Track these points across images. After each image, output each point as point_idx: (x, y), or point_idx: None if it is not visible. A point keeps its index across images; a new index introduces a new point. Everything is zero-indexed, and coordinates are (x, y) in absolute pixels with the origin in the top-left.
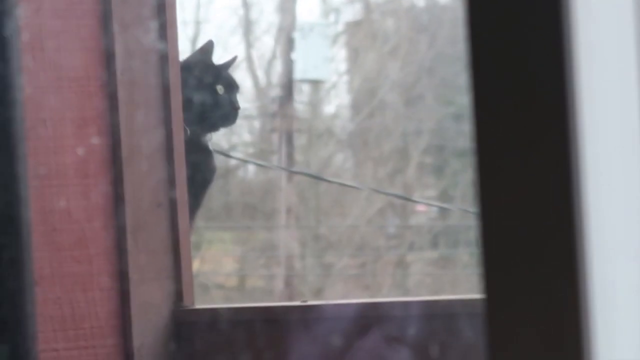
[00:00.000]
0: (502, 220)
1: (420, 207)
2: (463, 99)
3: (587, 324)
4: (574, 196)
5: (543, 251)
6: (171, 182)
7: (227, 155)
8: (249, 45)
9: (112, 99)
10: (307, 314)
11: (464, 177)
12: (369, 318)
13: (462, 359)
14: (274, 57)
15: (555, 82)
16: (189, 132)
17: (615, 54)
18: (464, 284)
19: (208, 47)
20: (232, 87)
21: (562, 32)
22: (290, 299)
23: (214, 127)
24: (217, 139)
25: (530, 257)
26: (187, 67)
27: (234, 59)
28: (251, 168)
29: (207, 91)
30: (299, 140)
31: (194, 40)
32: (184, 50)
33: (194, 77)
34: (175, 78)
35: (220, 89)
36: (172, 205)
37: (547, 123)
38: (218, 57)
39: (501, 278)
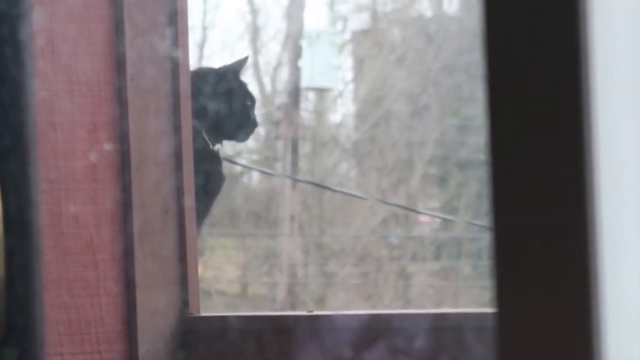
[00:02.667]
0: (515, 230)
1: (424, 218)
2: (468, 110)
3: (600, 339)
4: (588, 206)
5: (556, 263)
6: (180, 189)
7: (232, 162)
8: (255, 51)
9: (123, 104)
10: (314, 324)
11: (468, 188)
12: (376, 330)
13: None
14: (280, 64)
15: (571, 89)
16: (211, 145)
17: (631, 60)
18: (466, 296)
19: (242, 62)
20: (251, 101)
21: (579, 36)
22: (293, 307)
23: (229, 138)
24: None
25: (543, 269)
26: (217, 75)
27: (245, 59)
28: (255, 175)
29: (225, 101)
30: (304, 148)
31: (202, 46)
32: (192, 56)
33: (215, 86)
34: (186, 85)
35: (249, 105)
36: (180, 212)
37: (563, 131)
38: (225, 62)
39: (513, 291)
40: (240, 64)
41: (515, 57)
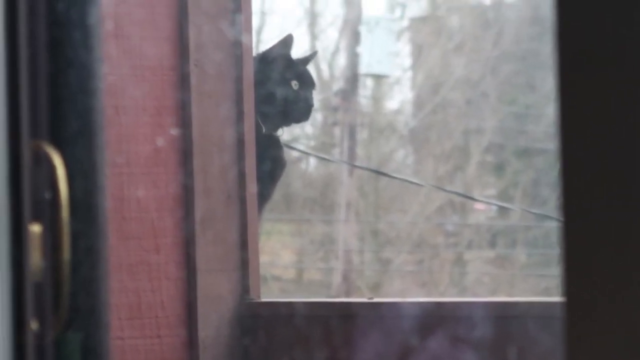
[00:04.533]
0: (586, 221)
1: (480, 206)
2: (526, 99)
3: None
4: None
5: (626, 253)
6: (242, 175)
7: (289, 147)
8: (313, 37)
9: (187, 89)
10: (375, 310)
11: (525, 176)
12: (439, 317)
13: None
14: (338, 50)
15: None
16: (264, 128)
17: None
18: (522, 284)
19: (288, 41)
20: (308, 83)
21: None
22: (348, 293)
23: (287, 122)
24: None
25: (613, 259)
26: (265, 59)
27: (314, 54)
28: (312, 161)
29: (283, 86)
30: (361, 135)
31: (259, 31)
32: None
33: (272, 70)
34: (249, 71)
35: (295, 84)
36: (243, 198)
37: (636, 120)
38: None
39: (583, 281)
40: (309, 58)
41: (590, 48)
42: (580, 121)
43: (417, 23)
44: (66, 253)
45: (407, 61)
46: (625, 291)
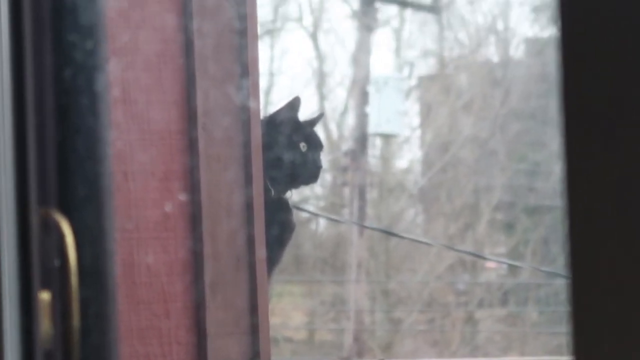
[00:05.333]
0: (593, 279)
1: (490, 264)
2: (536, 156)
3: None
4: None
5: (636, 313)
6: (251, 239)
7: (299, 209)
8: (322, 97)
9: (195, 154)
10: None
11: (535, 234)
12: None
13: None
14: (346, 109)
15: None
16: (273, 191)
17: None
18: (534, 343)
19: (295, 104)
20: (316, 145)
21: None
22: (360, 354)
23: (296, 185)
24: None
25: (621, 318)
26: (272, 122)
27: (320, 116)
28: (322, 221)
29: (291, 148)
30: (371, 194)
31: (268, 92)
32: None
33: (279, 133)
34: (257, 135)
35: (303, 146)
36: (252, 262)
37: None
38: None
39: (591, 340)
40: (316, 120)
41: (595, 105)
42: (586, 178)
43: (426, 82)
44: (76, 320)
45: (416, 120)
46: (635, 348)
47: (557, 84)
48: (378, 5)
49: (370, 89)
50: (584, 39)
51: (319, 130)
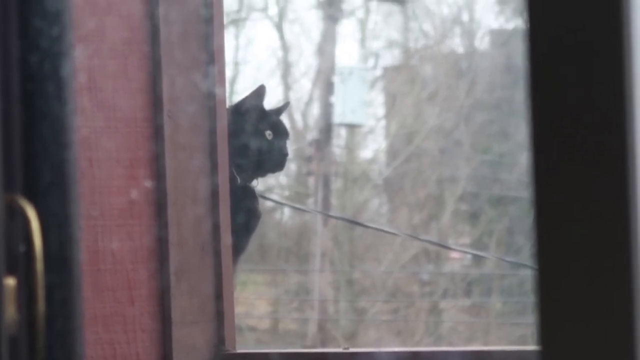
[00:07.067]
0: (558, 269)
1: (455, 254)
2: (500, 147)
3: None
4: (633, 245)
5: (599, 302)
6: (217, 226)
7: (264, 198)
8: (287, 87)
9: (161, 141)
10: None
11: (499, 225)
12: None
13: None
14: (311, 100)
15: (617, 129)
16: (239, 179)
17: None
18: (497, 333)
19: (260, 92)
20: (282, 133)
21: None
22: (323, 343)
23: (262, 173)
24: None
25: (587, 307)
26: (238, 110)
27: (286, 105)
28: (287, 211)
29: (257, 136)
30: (335, 184)
31: (233, 82)
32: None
33: (245, 121)
34: (223, 123)
35: (269, 134)
36: (217, 249)
37: (609, 171)
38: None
39: (557, 331)
40: (282, 109)
41: (562, 97)
42: (554, 169)
43: (391, 72)
44: (41, 306)
45: (381, 110)
46: (601, 340)
47: (524, 74)
48: None
49: (335, 79)
50: (551, 30)
51: (284, 120)
